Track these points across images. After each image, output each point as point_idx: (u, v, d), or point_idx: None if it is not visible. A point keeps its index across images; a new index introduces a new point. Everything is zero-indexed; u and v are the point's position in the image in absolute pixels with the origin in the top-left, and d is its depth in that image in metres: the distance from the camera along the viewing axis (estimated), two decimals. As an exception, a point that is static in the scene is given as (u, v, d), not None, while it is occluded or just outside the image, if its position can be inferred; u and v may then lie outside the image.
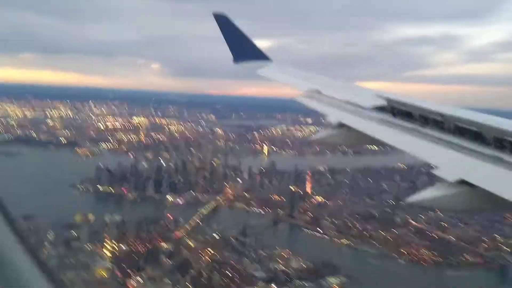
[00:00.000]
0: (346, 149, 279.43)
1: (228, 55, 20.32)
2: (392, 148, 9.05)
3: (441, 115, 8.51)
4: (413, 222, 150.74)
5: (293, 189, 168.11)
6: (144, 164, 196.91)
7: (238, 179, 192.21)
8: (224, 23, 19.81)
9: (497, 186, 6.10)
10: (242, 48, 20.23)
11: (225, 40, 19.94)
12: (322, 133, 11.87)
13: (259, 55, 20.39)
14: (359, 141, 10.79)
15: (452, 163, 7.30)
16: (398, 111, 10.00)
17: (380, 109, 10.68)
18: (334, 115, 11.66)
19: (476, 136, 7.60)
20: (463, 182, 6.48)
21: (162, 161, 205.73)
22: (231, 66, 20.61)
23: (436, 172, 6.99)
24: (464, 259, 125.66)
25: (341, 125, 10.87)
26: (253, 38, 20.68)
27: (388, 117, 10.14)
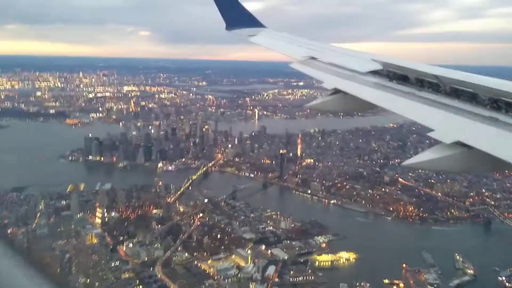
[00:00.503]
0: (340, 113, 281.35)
1: (219, 19, 20.05)
2: (389, 112, 9.00)
3: (437, 77, 8.48)
4: (402, 180, 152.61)
5: (282, 152, 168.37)
6: (134, 132, 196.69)
7: (229, 144, 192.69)
8: None
9: (493, 146, 6.13)
10: (235, 15, 19.85)
11: (217, 6, 19.54)
12: (318, 100, 11.71)
13: (252, 21, 20.01)
14: (355, 106, 10.72)
15: (448, 125, 7.27)
16: (394, 75, 9.98)
17: (376, 73, 10.62)
18: (329, 81, 11.53)
19: (471, 97, 7.60)
20: (459, 144, 6.50)
21: (151, 129, 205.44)
22: (223, 31, 20.33)
23: (432, 134, 6.98)
24: (450, 214, 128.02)
25: (337, 91, 10.74)
26: (244, 1, 20.26)
27: (384, 81, 10.10)
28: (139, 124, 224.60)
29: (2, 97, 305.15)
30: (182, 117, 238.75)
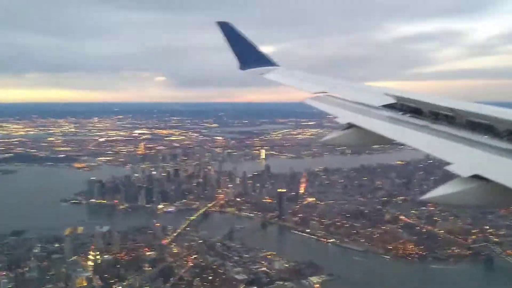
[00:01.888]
0: (347, 150, 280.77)
1: (233, 62, 20.37)
2: (403, 147, 9.11)
3: (452, 110, 8.32)
4: (404, 218, 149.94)
5: (283, 191, 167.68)
6: (138, 174, 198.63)
7: (231, 184, 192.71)
8: (229, 31, 19.82)
9: None
10: (248, 55, 20.19)
11: (231, 47, 19.93)
12: (331, 135, 11.46)
13: (265, 60, 20.33)
14: (369, 140, 10.48)
15: (465, 158, 7.03)
16: (407, 108, 9.84)
17: (390, 107, 10.50)
18: (343, 116, 11.44)
19: (488, 129, 7.44)
20: (477, 177, 6.23)
21: (155, 171, 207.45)
22: (237, 73, 20.62)
23: (449, 168, 6.67)
24: (450, 252, 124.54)
25: (350, 126, 10.59)
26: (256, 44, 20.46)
27: (398, 115, 9.96)
28: (144, 166, 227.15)
29: (15, 142, 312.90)
30: (185, 158, 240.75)
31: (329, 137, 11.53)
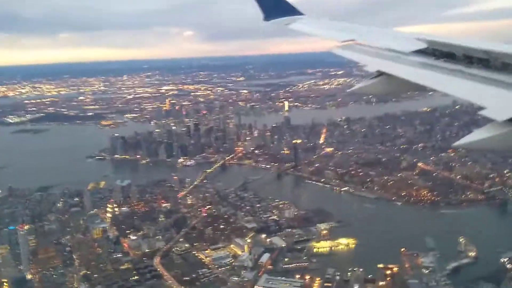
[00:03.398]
0: (372, 98, 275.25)
1: (259, 13, 20.02)
2: (434, 91, 9.18)
3: (486, 52, 8.05)
4: (421, 165, 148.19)
5: (298, 142, 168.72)
6: (158, 130, 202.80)
7: (250, 137, 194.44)
8: None
9: None
10: (272, 4, 19.71)
11: None
12: (361, 84, 11.29)
13: (290, 10, 19.49)
14: (400, 88, 10.31)
15: (501, 102, 6.77)
16: (440, 53, 9.56)
17: (421, 52, 10.18)
18: (372, 64, 11.18)
19: None
20: None
21: (177, 126, 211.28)
22: (262, 23, 20.11)
23: (484, 112, 6.41)
24: (464, 197, 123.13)
25: (380, 73, 10.42)
26: None
27: (429, 60, 9.68)
28: (167, 122, 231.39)
29: (47, 103, 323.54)
30: (207, 112, 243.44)
31: (359, 86, 11.46)
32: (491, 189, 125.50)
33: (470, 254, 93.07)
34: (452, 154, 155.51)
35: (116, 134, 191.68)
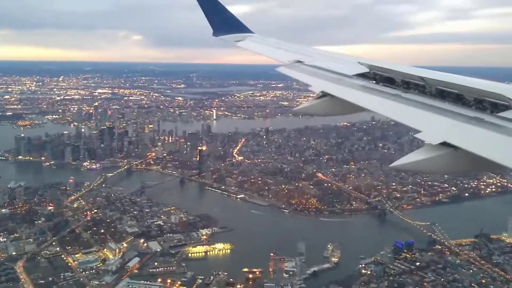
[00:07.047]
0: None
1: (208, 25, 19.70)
2: (375, 114, 9.23)
3: (422, 79, 8.45)
4: (320, 175, 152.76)
5: (203, 149, 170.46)
6: (66, 132, 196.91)
7: (165, 143, 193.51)
8: None
9: (479, 146, 6.08)
10: (221, 21, 19.38)
11: (204, 12, 19.10)
12: (305, 104, 11.50)
13: (239, 27, 19.49)
14: (342, 109, 10.57)
15: (435, 126, 7.18)
16: (380, 77, 9.98)
17: (363, 76, 10.59)
18: (316, 85, 11.44)
19: (457, 98, 7.60)
20: (445, 145, 6.39)
21: (85, 129, 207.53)
22: (211, 37, 19.96)
23: (419, 135, 6.84)
24: (348, 206, 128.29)
25: (324, 94, 10.65)
26: (232, 4, 19.33)
27: (370, 84, 10.10)
28: (89, 125, 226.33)
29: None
30: (120, 116, 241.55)
31: (302, 106, 11.64)
32: (374, 199, 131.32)
33: (333, 259, 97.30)
34: (353, 166, 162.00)
35: (22, 135, 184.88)
